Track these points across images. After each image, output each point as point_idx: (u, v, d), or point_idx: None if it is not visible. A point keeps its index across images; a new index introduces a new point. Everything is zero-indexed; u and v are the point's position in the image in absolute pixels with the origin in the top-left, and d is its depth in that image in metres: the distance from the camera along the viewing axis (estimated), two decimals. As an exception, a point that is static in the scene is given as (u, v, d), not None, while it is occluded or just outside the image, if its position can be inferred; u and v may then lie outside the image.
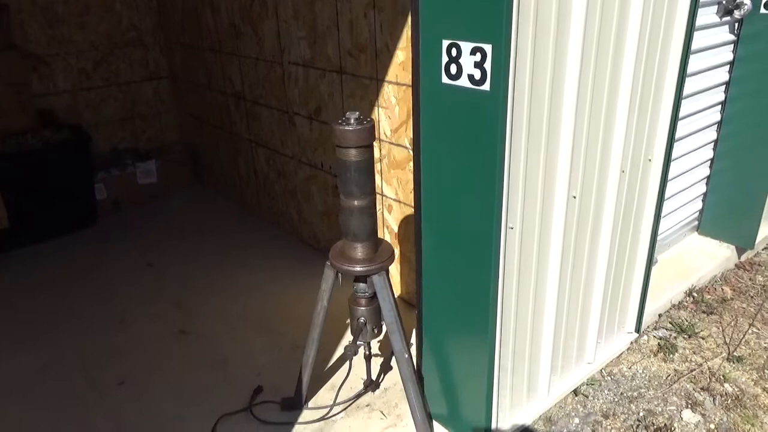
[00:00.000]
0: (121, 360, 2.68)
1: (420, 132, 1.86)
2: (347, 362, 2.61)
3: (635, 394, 2.49)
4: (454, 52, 1.64)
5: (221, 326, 2.91)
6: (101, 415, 2.37)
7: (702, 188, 3.41)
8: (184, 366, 2.64)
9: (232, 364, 2.63)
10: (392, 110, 2.67)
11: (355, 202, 1.97)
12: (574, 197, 1.99)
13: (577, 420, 2.38)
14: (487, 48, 1.56)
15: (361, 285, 2.13)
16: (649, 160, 2.26)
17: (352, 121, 1.88)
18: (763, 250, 3.63)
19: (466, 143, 1.72)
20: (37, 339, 2.85)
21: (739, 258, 3.45)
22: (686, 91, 2.87)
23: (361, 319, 2.19)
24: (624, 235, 2.34)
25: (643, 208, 2.36)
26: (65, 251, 3.68)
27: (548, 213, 1.93)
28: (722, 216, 3.38)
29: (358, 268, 2.04)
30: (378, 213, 3.00)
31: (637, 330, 2.63)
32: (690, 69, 2.59)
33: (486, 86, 1.59)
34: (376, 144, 2.84)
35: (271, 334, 2.84)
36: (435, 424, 2.26)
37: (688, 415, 2.36)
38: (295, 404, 2.37)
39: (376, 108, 2.76)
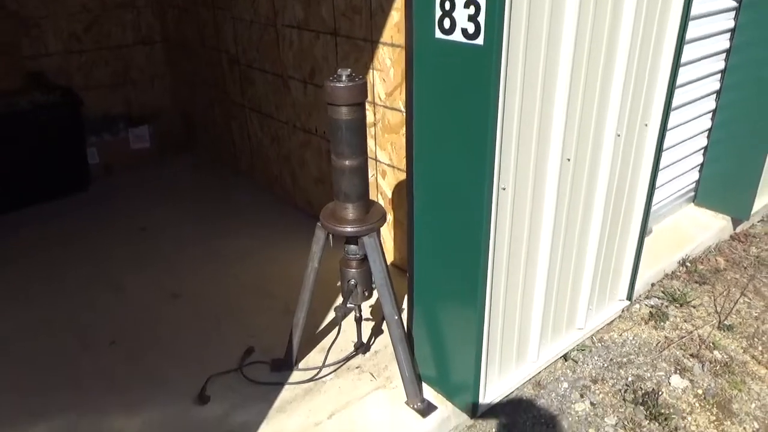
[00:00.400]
0: (113, 321, 2.68)
1: (413, 90, 1.83)
2: (335, 325, 2.62)
3: (625, 360, 2.50)
4: (447, 5, 1.60)
5: (213, 290, 2.90)
6: (92, 373, 2.38)
7: (699, 159, 3.39)
8: (176, 328, 2.64)
9: (223, 326, 2.64)
10: (387, 73, 2.62)
11: (347, 162, 1.95)
12: (569, 160, 1.97)
13: (566, 384, 2.40)
14: (481, 0, 1.52)
15: (352, 247, 2.12)
16: (646, 125, 2.23)
17: (344, 78, 1.84)
18: (759, 222, 3.63)
19: (459, 100, 1.69)
20: (29, 300, 2.85)
21: (734, 229, 3.44)
22: (685, 58, 2.83)
23: (352, 281, 2.18)
24: (618, 201, 2.32)
25: (638, 173, 2.34)
26: (58, 215, 3.66)
27: (542, 175, 1.91)
28: (718, 187, 3.37)
29: (349, 229, 2.03)
30: (372, 179, 2.98)
31: (629, 298, 2.63)
32: (690, 35, 2.55)
33: (479, 40, 1.56)
34: (370, 108, 2.80)
35: (264, 297, 2.83)
36: (424, 386, 2.27)
37: (676, 380, 2.37)
38: (285, 365, 2.37)
39: (370, 71, 2.72)
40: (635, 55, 2.03)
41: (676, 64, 2.18)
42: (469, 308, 1.95)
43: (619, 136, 2.13)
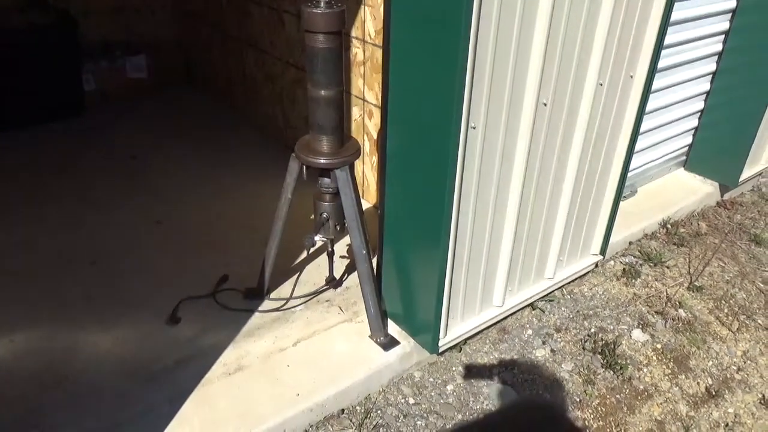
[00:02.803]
0: (96, 243, 2.74)
1: (389, 24, 1.80)
2: (313, 260, 2.67)
3: (591, 312, 2.54)
4: (425, -69, 1.56)
5: (197, 220, 2.95)
6: (71, 290, 2.45)
7: (694, 122, 3.35)
8: (156, 253, 2.69)
9: (202, 255, 2.69)
10: (377, 9, 2.58)
11: (322, 92, 1.94)
12: (545, 104, 1.95)
13: (530, 331, 2.45)
14: (458, -73, 1.48)
15: (326, 180, 2.13)
16: (631, 76, 2.20)
17: (322, 4, 1.81)
18: (748, 191, 3.61)
19: (430, 34, 1.66)
20: (14, 220, 2.90)
21: (721, 196, 3.43)
22: (686, 16, 2.77)
23: (324, 215, 2.21)
24: (596, 154, 2.31)
25: (619, 127, 2.32)
26: (51, 138, 3.68)
27: (515, 117, 1.90)
28: (710, 152, 3.34)
29: (322, 161, 2.04)
30: (359, 119, 2.97)
31: (602, 252, 2.65)
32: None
33: (454, -30, 1.52)
34: (360, 46, 2.77)
35: (245, 230, 2.88)
36: (391, 323, 2.33)
37: (637, 334, 2.42)
38: (257, 294, 2.43)
39: (362, 7, 2.67)
40: (623, 1, 1.98)
41: (667, 15, 2.12)
42: (432, 249, 1.97)
43: (601, 85, 2.10)
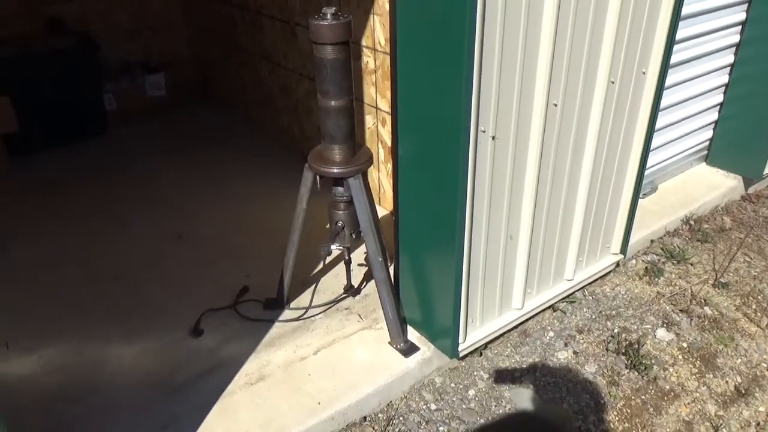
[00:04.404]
0: (119, 258, 2.80)
1: (395, 31, 1.81)
2: (331, 268, 2.68)
3: (613, 312, 2.51)
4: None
5: (216, 232, 2.99)
6: (97, 304, 2.50)
7: (714, 116, 3.29)
8: (178, 266, 2.74)
9: (222, 266, 2.73)
10: (387, 17, 2.59)
11: (332, 103, 1.96)
12: (555, 105, 1.94)
13: (551, 333, 2.43)
14: (458, -67, 1.49)
15: (339, 188, 2.15)
16: (643, 72, 2.17)
17: (328, 16, 1.84)
18: (774, 184, 3.52)
19: (434, 38, 1.67)
20: (42, 236, 2.98)
21: (746, 190, 3.35)
22: (701, 8, 2.73)
23: (339, 223, 2.22)
24: (611, 152, 2.28)
25: (634, 123, 2.29)
26: (74, 158, 3.78)
27: (525, 119, 1.89)
28: (731, 145, 3.27)
29: (335, 170, 2.06)
30: (372, 127, 2.99)
31: (623, 251, 2.61)
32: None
33: (456, -25, 1.53)
34: (371, 54, 2.79)
35: (264, 240, 2.91)
36: (410, 329, 2.33)
37: (662, 333, 2.37)
38: (277, 304, 2.46)
39: (371, 16, 2.69)
40: (632, -3, 1.96)
41: (678, 8, 2.09)
42: (447, 254, 1.97)
43: (612, 83, 2.08)
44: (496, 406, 2.12)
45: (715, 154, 3.38)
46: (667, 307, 2.50)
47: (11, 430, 1.60)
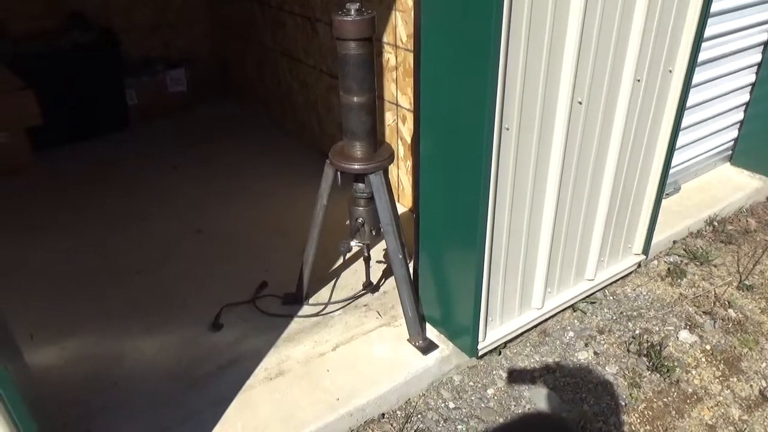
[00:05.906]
0: (140, 252, 2.82)
1: (420, 27, 1.80)
2: (350, 265, 2.68)
3: (635, 313, 2.48)
4: (453, -66, 1.56)
5: (236, 227, 3.01)
6: (118, 297, 2.53)
7: (739, 116, 3.23)
8: (197, 261, 2.76)
9: (241, 262, 2.74)
10: (409, 14, 2.59)
11: (354, 99, 1.96)
12: (580, 103, 1.92)
13: (572, 334, 2.40)
14: (486, -72, 1.47)
15: (360, 185, 2.15)
16: (670, 71, 2.14)
17: (352, 12, 1.83)
18: (801, 185, 3.45)
19: (460, 33, 1.66)
20: (64, 229, 3.02)
21: (771, 191, 3.29)
22: (728, 5, 2.68)
23: (359, 220, 2.22)
24: (636, 151, 2.25)
25: (659, 122, 2.25)
26: (97, 152, 3.83)
27: (549, 117, 1.87)
28: (757, 145, 3.21)
29: (356, 167, 2.05)
30: (392, 124, 2.98)
31: (645, 252, 2.58)
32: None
33: (483, -29, 1.52)
34: (392, 51, 2.78)
35: (283, 236, 2.92)
36: (429, 327, 2.32)
37: (684, 335, 2.34)
38: (296, 299, 2.46)
39: (393, 12, 2.68)
40: (660, -6, 1.93)
41: (707, 6, 2.06)
42: (468, 252, 1.96)
43: (638, 81, 2.05)
44: (515, 406, 2.11)
45: (739, 154, 3.32)
46: (690, 309, 2.47)
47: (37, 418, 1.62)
